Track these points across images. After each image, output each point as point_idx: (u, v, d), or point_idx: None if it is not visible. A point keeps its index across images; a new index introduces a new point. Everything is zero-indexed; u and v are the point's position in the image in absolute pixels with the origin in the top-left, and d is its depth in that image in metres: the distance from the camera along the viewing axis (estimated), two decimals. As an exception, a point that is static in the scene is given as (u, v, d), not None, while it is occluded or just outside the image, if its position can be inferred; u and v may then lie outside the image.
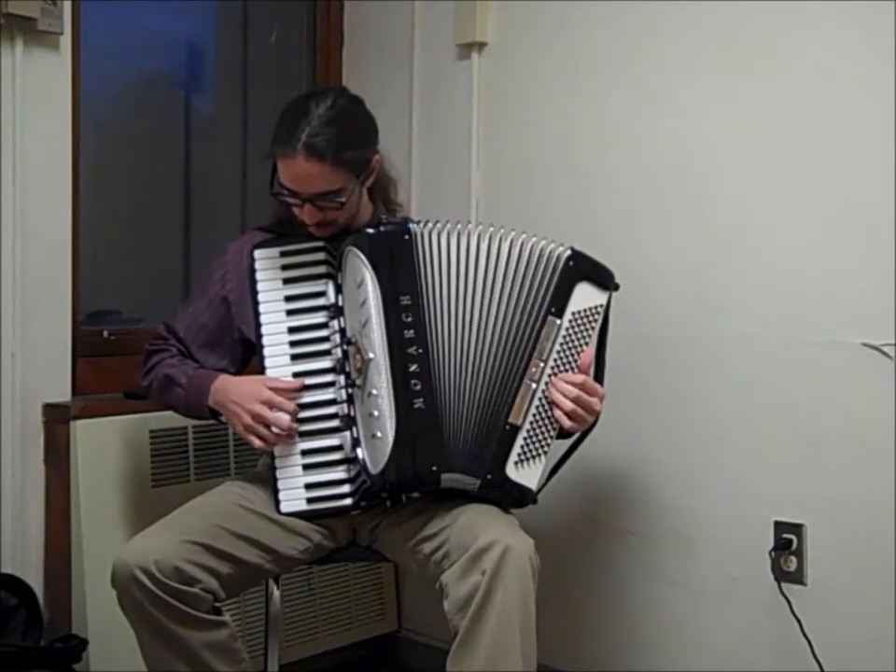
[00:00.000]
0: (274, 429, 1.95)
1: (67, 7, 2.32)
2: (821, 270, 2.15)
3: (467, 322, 1.93)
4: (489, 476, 1.90)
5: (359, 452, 1.93)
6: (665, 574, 2.37)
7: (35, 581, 2.29)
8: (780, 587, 2.18)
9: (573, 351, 1.94)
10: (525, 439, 1.91)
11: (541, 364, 1.92)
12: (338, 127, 1.94)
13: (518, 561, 1.79)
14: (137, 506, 2.33)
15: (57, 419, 2.31)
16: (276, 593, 2.08)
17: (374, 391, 1.90)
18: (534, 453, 1.92)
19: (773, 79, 2.21)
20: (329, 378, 1.98)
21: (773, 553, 2.19)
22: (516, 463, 1.91)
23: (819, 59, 2.15)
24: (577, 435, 2.02)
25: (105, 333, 2.52)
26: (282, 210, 2.10)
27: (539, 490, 1.96)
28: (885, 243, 2.07)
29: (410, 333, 1.91)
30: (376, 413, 1.89)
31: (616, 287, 2.01)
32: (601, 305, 1.97)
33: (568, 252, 1.96)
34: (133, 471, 2.35)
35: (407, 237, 1.94)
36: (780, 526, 2.20)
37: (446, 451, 1.90)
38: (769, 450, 2.22)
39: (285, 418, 1.95)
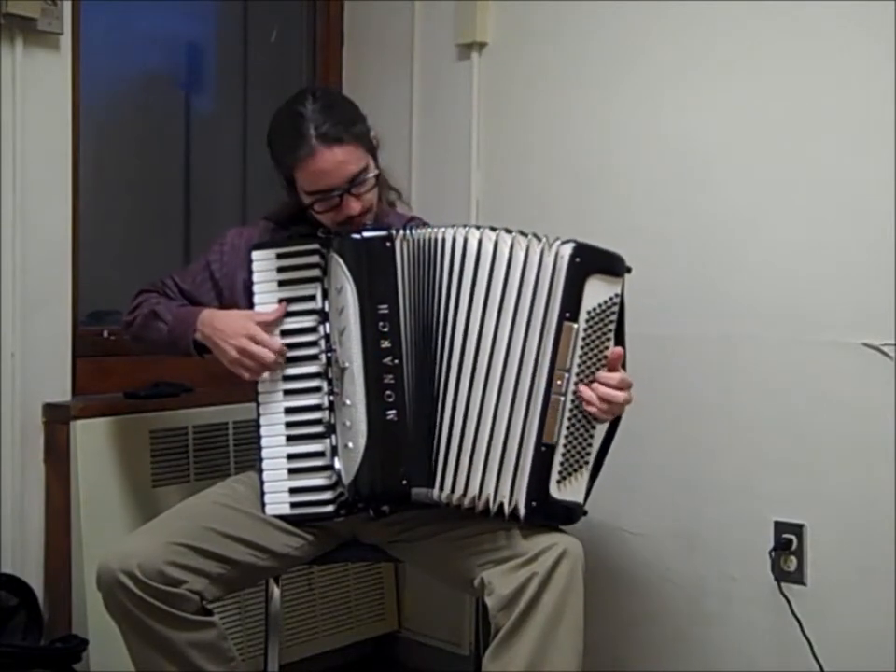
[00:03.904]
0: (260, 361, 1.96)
1: (67, 7, 2.32)
2: (821, 270, 2.15)
3: (453, 333, 1.86)
4: (534, 503, 1.83)
5: (336, 461, 1.91)
6: (665, 574, 2.37)
7: (35, 581, 2.29)
8: (780, 587, 2.18)
9: (596, 350, 1.84)
10: (563, 455, 1.83)
11: (566, 375, 1.82)
12: (333, 111, 1.95)
13: (572, 566, 1.80)
14: (137, 506, 2.33)
15: (57, 419, 2.31)
16: (276, 593, 2.08)
17: (348, 401, 1.88)
18: (575, 466, 1.84)
19: (774, 79, 2.21)
20: (315, 383, 1.96)
21: (773, 553, 2.19)
22: (558, 482, 1.83)
23: (820, 58, 2.15)
24: (606, 428, 1.94)
25: (105, 333, 2.53)
26: (290, 204, 2.07)
27: (586, 499, 1.89)
28: (885, 243, 2.07)
29: (386, 343, 1.86)
30: (349, 423, 1.88)
31: (628, 270, 1.89)
32: (616, 295, 1.85)
33: (571, 248, 1.84)
34: (133, 471, 2.35)
35: (389, 244, 1.89)
36: (780, 526, 2.20)
37: (421, 463, 1.87)
38: (769, 450, 2.22)
39: (269, 354, 1.94)
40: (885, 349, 2.07)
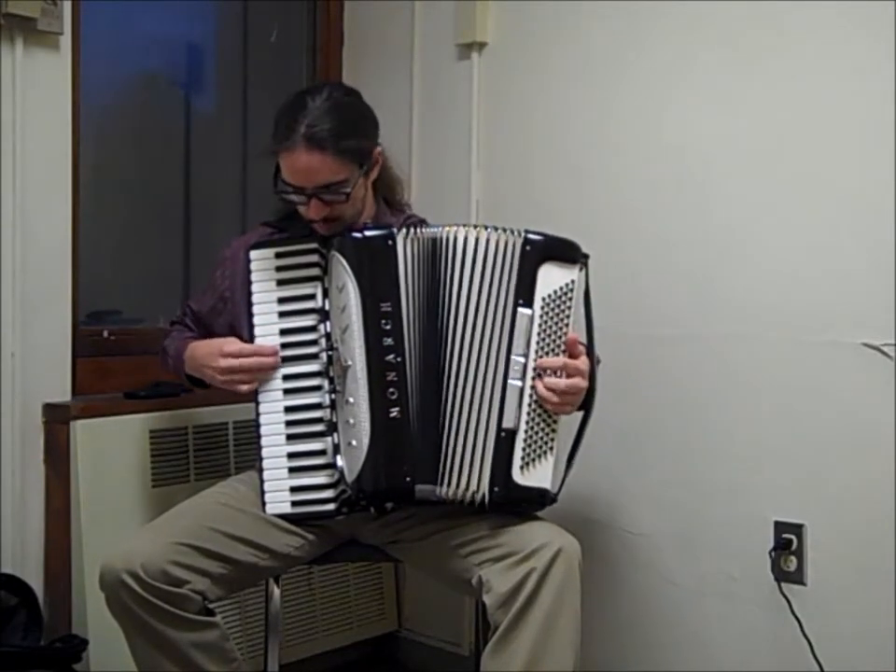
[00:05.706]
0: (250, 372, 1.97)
1: (67, 7, 2.32)
2: (821, 269, 2.15)
3: (444, 328, 1.89)
4: (496, 489, 1.85)
5: (338, 459, 1.92)
6: (665, 574, 2.37)
7: (35, 581, 2.29)
8: (780, 587, 2.18)
9: (554, 337, 1.87)
10: (524, 441, 1.86)
11: (522, 360, 1.86)
12: (336, 116, 1.93)
13: (568, 562, 1.81)
14: (137, 506, 2.33)
15: (57, 419, 2.31)
16: (276, 593, 2.08)
17: (351, 399, 1.88)
18: (538, 452, 1.86)
19: (773, 79, 2.21)
20: (315, 382, 1.97)
21: (773, 553, 2.19)
22: (521, 468, 1.85)
23: (819, 58, 2.15)
24: (581, 417, 1.98)
25: (105, 333, 2.53)
26: (285, 205, 2.09)
27: (561, 487, 1.91)
28: (885, 243, 2.07)
29: (388, 341, 1.88)
30: (352, 420, 1.88)
31: (586, 257, 1.92)
32: (572, 281, 1.88)
33: (522, 237, 1.88)
34: (133, 471, 2.35)
35: (391, 242, 1.90)
36: (780, 526, 2.20)
37: (423, 460, 1.88)
38: (769, 450, 2.22)
39: (252, 360, 1.96)
40: (885, 349, 2.07)
